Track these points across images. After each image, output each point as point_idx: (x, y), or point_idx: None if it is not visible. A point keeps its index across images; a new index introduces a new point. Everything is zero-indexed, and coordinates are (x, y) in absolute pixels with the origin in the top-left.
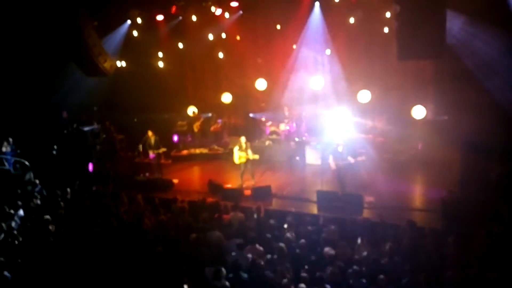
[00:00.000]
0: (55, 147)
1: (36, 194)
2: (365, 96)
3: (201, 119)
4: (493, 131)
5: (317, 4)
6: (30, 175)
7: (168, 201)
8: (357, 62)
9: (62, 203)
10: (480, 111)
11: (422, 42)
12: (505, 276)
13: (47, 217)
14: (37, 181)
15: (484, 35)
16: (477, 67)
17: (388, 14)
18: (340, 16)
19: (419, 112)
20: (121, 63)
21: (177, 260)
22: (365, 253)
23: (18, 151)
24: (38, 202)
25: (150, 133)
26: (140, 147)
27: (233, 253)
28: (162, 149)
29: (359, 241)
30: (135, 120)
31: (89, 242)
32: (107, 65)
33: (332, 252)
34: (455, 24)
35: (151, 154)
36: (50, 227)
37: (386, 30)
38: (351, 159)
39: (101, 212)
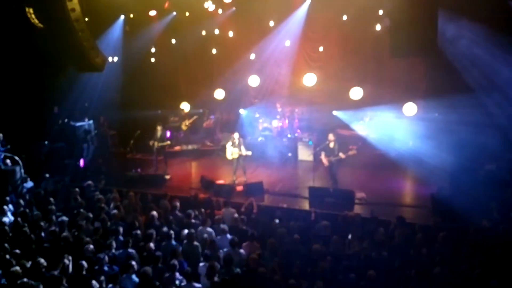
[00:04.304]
0: (46, 142)
1: (26, 189)
2: (357, 93)
3: (194, 118)
4: (483, 129)
5: (307, 1)
6: (20, 171)
7: (159, 197)
8: (350, 59)
9: (52, 199)
10: (470, 109)
11: (414, 39)
12: (492, 271)
13: (37, 213)
14: (28, 177)
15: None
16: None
17: (380, 12)
18: (333, 14)
19: (410, 109)
20: (113, 59)
21: (169, 256)
22: (355, 249)
23: (8, 146)
24: (29, 197)
25: (159, 127)
26: (131, 142)
27: (225, 249)
28: (167, 142)
29: (349, 236)
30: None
31: (79, 236)
32: (98, 60)
33: (323, 247)
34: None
35: (156, 146)
36: (41, 223)
37: (378, 27)
38: (342, 155)
39: (92, 208)
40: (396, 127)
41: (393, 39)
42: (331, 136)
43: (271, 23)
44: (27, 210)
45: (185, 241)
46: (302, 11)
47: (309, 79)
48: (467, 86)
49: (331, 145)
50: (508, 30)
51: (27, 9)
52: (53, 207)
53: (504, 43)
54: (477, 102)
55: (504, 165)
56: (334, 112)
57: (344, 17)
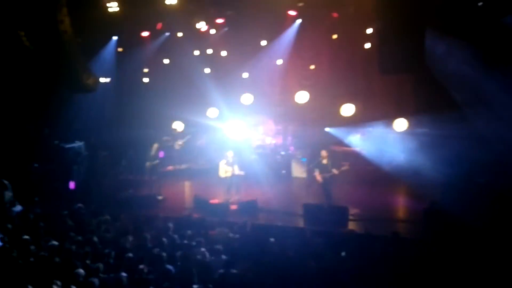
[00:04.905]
0: (36, 165)
1: (15, 213)
2: (348, 109)
3: (187, 137)
4: (473, 143)
5: (298, 21)
6: (9, 194)
7: (152, 218)
8: (341, 76)
9: (41, 223)
10: (460, 124)
11: (402, 57)
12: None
13: (27, 237)
14: (16, 201)
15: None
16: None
17: (369, 30)
18: (323, 32)
19: (401, 124)
20: (106, 80)
21: (162, 279)
22: (350, 265)
23: None
24: (17, 221)
25: (155, 145)
26: (123, 163)
27: (220, 270)
28: (155, 161)
29: (343, 253)
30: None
31: (70, 261)
32: (91, 81)
33: (318, 265)
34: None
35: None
36: (31, 247)
37: (368, 45)
38: (335, 171)
39: (83, 231)
40: (388, 142)
41: (381, 56)
42: (324, 153)
43: (263, 43)
44: (16, 235)
45: (178, 263)
46: (293, 31)
47: (302, 97)
48: (456, 102)
49: (324, 161)
50: (496, 48)
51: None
52: (43, 231)
53: (492, 60)
54: (466, 118)
55: (494, 179)
56: (327, 129)
57: (334, 36)
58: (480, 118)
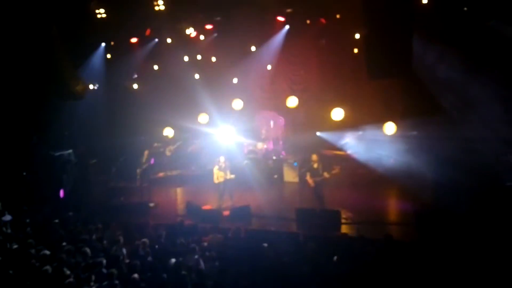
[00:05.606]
0: (24, 173)
1: (4, 223)
2: (338, 114)
3: (178, 143)
4: (462, 145)
5: (286, 27)
6: None
7: (143, 226)
8: (330, 81)
9: (31, 232)
10: (447, 127)
11: (390, 62)
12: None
13: (16, 247)
14: (5, 210)
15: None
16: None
17: (357, 36)
18: (312, 38)
19: (390, 128)
20: (94, 86)
21: (155, 287)
22: (343, 269)
23: None
24: (8, 231)
25: (146, 152)
26: (114, 170)
27: (214, 277)
28: (145, 166)
29: (335, 258)
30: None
31: (61, 270)
32: (79, 88)
33: (312, 269)
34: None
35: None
36: (20, 258)
37: (356, 50)
38: (326, 175)
39: (73, 240)
40: (378, 146)
41: (369, 62)
42: (314, 157)
43: (253, 48)
44: (6, 245)
45: (171, 271)
46: (282, 36)
47: (292, 102)
48: (443, 105)
49: (315, 165)
50: (481, 52)
51: None
52: (33, 240)
53: (477, 64)
54: (453, 121)
55: (483, 180)
56: (318, 133)
57: (322, 41)
58: (466, 121)
